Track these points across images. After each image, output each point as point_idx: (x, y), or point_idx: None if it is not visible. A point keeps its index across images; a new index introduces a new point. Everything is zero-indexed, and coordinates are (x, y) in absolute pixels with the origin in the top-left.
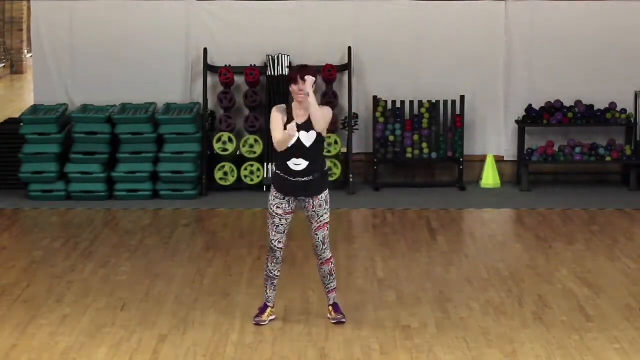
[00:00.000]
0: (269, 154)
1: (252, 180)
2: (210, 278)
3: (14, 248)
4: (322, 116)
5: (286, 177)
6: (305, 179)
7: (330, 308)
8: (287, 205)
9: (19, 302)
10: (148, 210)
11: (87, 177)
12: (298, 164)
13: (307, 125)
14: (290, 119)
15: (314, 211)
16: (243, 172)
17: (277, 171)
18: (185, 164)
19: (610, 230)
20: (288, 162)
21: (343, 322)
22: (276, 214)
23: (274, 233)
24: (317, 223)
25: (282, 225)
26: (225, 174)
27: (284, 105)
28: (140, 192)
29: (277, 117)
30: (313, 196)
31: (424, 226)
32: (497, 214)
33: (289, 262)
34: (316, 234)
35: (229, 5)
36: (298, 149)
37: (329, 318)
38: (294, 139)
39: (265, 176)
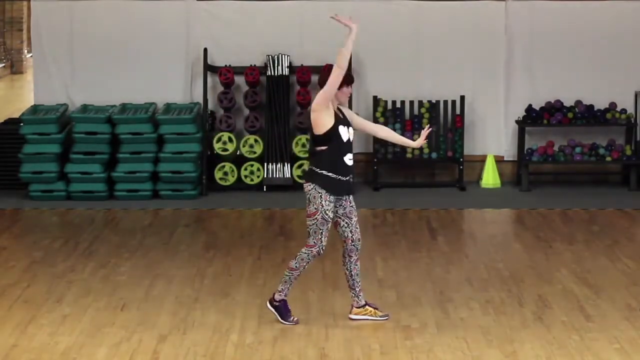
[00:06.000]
0: (269, 154)
1: (252, 180)
2: (210, 278)
3: (14, 248)
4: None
5: (339, 177)
6: (350, 176)
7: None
8: (335, 207)
9: (19, 302)
10: (148, 210)
11: (87, 177)
12: (350, 159)
13: (348, 122)
14: (335, 113)
15: (351, 206)
16: (243, 172)
17: (328, 173)
18: (185, 164)
19: (610, 230)
20: (344, 158)
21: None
22: (330, 218)
23: (325, 238)
24: (355, 217)
25: (329, 228)
26: (225, 174)
27: None
28: (140, 192)
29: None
30: (352, 193)
31: (424, 226)
32: (497, 214)
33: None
34: (357, 228)
35: (229, 5)
36: (349, 144)
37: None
38: (347, 134)
39: (265, 176)
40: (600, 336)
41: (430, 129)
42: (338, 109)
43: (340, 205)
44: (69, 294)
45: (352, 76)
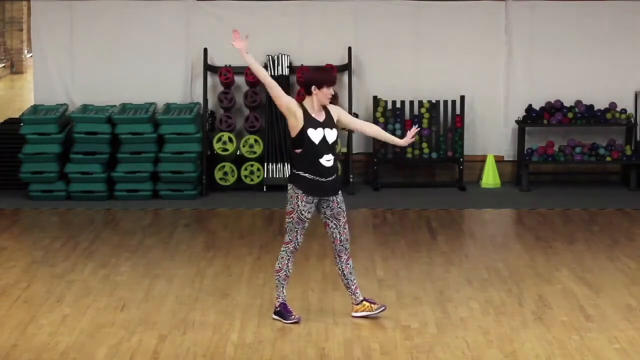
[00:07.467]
0: (269, 154)
1: (252, 180)
2: (210, 278)
3: (14, 248)
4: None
5: (317, 178)
6: (334, 176)
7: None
8: (314, 208)
9: (19, 302)
10: (148, 210)
11: (87, 177)
12: (329, 160)
13: (328, 123)
14: (307, 115)
15: (339, 207)
16: (243, 172)
17: (304, 174)
18: (185, 164)
19: (610, 230)
20: (320, 160)
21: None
22: (307, 218)
23: (300, 235)
24: (344, 218)
25: (307, 227)
26: (225, 174)
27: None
28: (140, 192)
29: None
30: (337, 193)
31: (424, 226)
32: (497, 214)
33: None
34: (345, 229)
35: (229, 5)
36: (326, 145)
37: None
38: (320, 136)
39: (265, 176)
40: (600, 336)
41: (417, 128)
42: (324, 108)
43: (327, 207)
44: (69, 294)
45: (334, 77)
